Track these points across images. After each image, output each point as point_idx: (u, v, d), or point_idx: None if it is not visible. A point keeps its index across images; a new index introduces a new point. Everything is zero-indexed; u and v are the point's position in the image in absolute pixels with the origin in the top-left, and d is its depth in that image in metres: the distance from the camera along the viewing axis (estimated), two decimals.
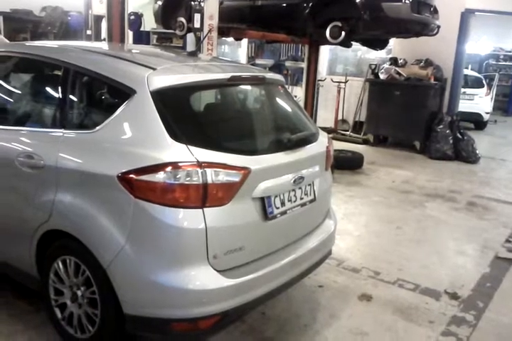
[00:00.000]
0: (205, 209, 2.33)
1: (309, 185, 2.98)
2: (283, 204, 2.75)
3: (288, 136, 2.92)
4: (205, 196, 2.34)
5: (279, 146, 2.82)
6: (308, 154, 2.99)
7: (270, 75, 3.25)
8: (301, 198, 2.90)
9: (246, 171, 2.45)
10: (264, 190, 2.59)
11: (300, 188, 2.88)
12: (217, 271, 2.43)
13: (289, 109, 3.39)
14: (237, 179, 2.43)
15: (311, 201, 2.98)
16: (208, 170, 2.32)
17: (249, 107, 3.33)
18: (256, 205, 2.59)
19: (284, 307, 3.30)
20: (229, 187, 2.41)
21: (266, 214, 2.63)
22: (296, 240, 2.94)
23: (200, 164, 2.33)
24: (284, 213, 2.75)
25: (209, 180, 2.32)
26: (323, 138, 3.25)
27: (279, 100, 3.43)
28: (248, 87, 3.27)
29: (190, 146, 2.37)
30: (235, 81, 2.88)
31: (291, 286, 2.99)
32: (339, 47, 8.37)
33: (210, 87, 2.91)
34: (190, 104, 2.67)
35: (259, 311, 3.19)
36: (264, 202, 2.62)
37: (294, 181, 2.78)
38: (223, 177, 2.38)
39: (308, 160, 2.98)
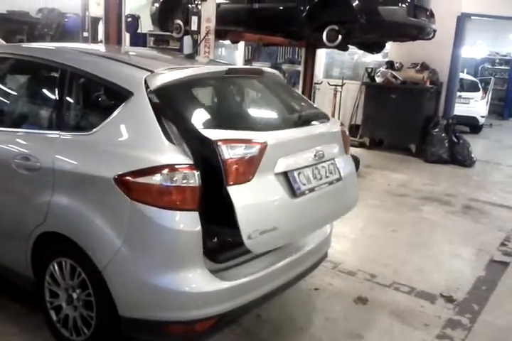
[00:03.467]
0: (229, 187, 2.28)
1: (332, 163, 2.95)
2: (309, 180, 2.71)
3: (297, 113, 2.93)
4: (198, 198, 2.32)
5: (291, 123, 2.84)
6: (322, 130, 3.00)
7: (267, 69, 3.28)
8: (327, 176, 2.87)
9: (262, 144, 2.42)
10: (285, 164, 2.56)
11: (323, 167, 2.86)
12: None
13: (291, 95, 3.41)
14: (254, 152, 2.38)
15: (338, 180, 2.95)
16: (224, 146, 2.28)
17: (250, 97, 3.30)
18: (281, 181, 2.56)
19: (279, 310, 3.30)
20: (248, 161, 2.37)
21: (293, 191, 2.59)
22: (327, 222, 2.88)
23: (193, 167, 2.33)
24: (312, 190, 2.71)
25: (226, 156, 2.27)
26: (335, 121, 3.28)
27: (279, 89, 3.42)
28: (246, 80, 3.25)
29: (186, 147, 2.37)
30: (232, 74, 2.89)
31: (287, 289, 2.99)
32: (336, 50, 8.40)
33: (208, 82, 2.87)
34: (189, 103, 2.65)
35: (255, 314, 3.19)
36: (288, 178, 2.59)
37: (315, 155, 2.76)
38: (240, 151, 2.34)
39: (324, 137, 2.97)
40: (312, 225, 2.83)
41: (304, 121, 2.95)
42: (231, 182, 2.29)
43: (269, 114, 2.97)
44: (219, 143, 2.28)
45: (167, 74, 2.56)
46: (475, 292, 3.78)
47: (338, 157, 3.05)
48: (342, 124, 3.32)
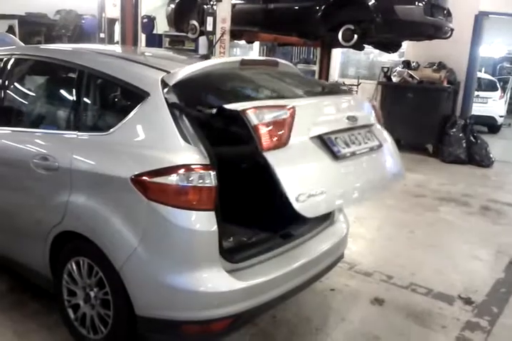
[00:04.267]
0: (265, 153, 2.24)
1: (368, 131, 2.90)
2: (347, 144, 2.66)
3: (320, 87, 2.91)
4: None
5: (316, 93, 2.82)
6: (349, 98, 2.99)
7: (282, 60, 3.28)
8: (366, 142, 2.82)
9: (291, 108, 2.38)
10: (318, 127, 2.53)
11: (360, 133, 2.81)
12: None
13: (310, 80, 3.41)
14: (284, 115, 2.34)
15: (378, 146, 2.91)
16: (251, 113, 2.25)
17: (269, 82, 3.13)
18: (319, 145, 2.52)
19: (295, 311, 3.29)
20: (279, 124, 2.32)
21: (334, 153, 2.55)
22: (376, 190, 2.87)
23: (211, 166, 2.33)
24: (353, 154, 2.67)
25: (255, 122, 2.24)
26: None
27: (297, 77, 3.38)
28: (263, 70, 3.19)
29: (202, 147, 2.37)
30: (247, 65, 2.88)
31: (303, 290, 2.98)
32: (351, 50, 8.36)
33: (224, 74, 2.81)
34: (207, 92, 2.63)
35: (271, 314, 3.18)
36: (325, 142, 2.55)
37: (347, 118, 2.71)
38: (269, 115, 2.30)
39: (353, 105, 2.95)
40: (360, 192, 2.72)
41: (329, 92, 2.92)
42: (266, 148, 2.25)
43: (292, 90, 2.93)
44: (246, 111, 2.26)
45: (183, 71, 2.54)
46: (494, 294, 3.73)
47: (372, 125, 2.99)
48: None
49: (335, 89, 3.06)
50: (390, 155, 3.08)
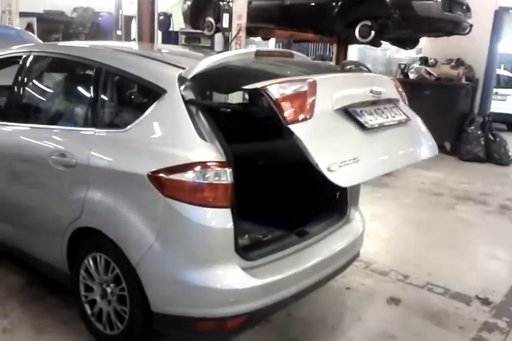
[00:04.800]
0: (291, 126, 2.19)
1: (394, 107, 2.84)
2: (374, 117, 2.60)
3: (339, 67, 2.90)
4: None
5: (336, 71, 2.78)
6: (371, 75, 3.05)
7: (297, 53, 3.27)
8: (393, 116, 2.76)
9: (311, 81, 2.34)
10: (342, 99, 2.48)
11: (385, 108, 2.75)
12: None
13: (328, 64, 3.40)
14: (304, 87, 2.30)
15: (406, 120, 2.85)
16: (272, 89, 2.22)
17: (286, 66, 3.04)
18: (345, 117, 2.47)
19: (310, 309, 3.28)
20: (301, 97, 2.28)
21: (362, 124, 2.49)
22: (408, 161, 2.83)
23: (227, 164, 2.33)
24: (382, 126, 2.62)
25: (276, 96, 2.20)
26: None
27: (314, 63, 3.36)
28: (278, 59, 3.15)
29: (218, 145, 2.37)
30: (262, 56, 2.88)
31: (319, 288, 2.97)
32: (368, 46, 8.30)
33: (239, 66, 2.74)
34: (226, 81, 2.59)
35: (285, 312, 3.17)
36: (351, 114, 2.50)
37: (371, 91, 2.65)
38: (290, 89, 2.26)
39: (374, 79, 2.92)
40: (393, 161, 2.68)
41: (349, 70, 2.90)
42: (290, 121, 2.20)
43: (310, 70, 2.88)
44: (266, 87, 2.22)
45: (199, 66, 2.51)
46: None
47: (398, 101, 2.93)
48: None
49: (355, 68, 3.03)
50: (419, 129, 3.00)
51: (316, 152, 2.20)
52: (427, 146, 3.00)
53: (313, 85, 2.34)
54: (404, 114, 2.89)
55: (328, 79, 2.60)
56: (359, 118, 2.51)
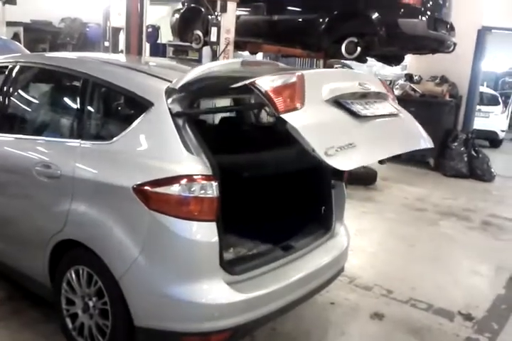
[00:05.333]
0: (283, 115, 2.18)
1: (384, 101, 2.83)
2: (365, 107, 2.59)
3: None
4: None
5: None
6: (358, 72, 3.14)
7: (282, 64, 3.31)
8: (384, 108, 2.75)
9: (299, 74, 2.34)
10: (331, 91, 2.46)
11: (375, 101, 2.73)
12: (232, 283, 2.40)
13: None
14: (293, 79, 2.30)
15: (397, 114, 2.82)
16: (260, 82, 2.22)
17: (271, 70, 2.98)
18: (337, 107, 2.46)
19: (294, 324, 3.26)
20: (291, 88, 2.27)
21: (354, 113, 2.48)
22: (405, 148, 2.82)
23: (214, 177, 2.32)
24: (374, 115, 2.60)
25: (265, 88, 2.20)
26: None
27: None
28: (263, 67, 3.19)
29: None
30: (248, 65, 2.89)
31: (303, 303, 2.95)
32: (354, 62, 8.39)
33: (226, 74, 2.72)
34: (210, 96, 2.65)
35: (270, 327, 3.15)
36: (342, 104, 2.48)
37: (360, 84, 2.65)
38: (278, 81, 2.26)
39: (362, 76, 2.93)
40: (390, 147, 2.65)
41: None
42: (282, 110, 2.19)
43: (298, 69, 2.92)
44: (255, 81, 2.22)
45: (188, 75, 2.49)
46: (494, 310, 3.70)
47: (387, 96, 2.91)
48: None
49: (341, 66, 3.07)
50: (413, 122, 2.98)
51: (312, 138, 2.17)
52: (421, 138, 2.96)
53: (301, 77, 2.33)
54: (395, 108, 2.88)
55: (316, 72, 2.62)
56: (351, 108, 2.49)
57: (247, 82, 2.26)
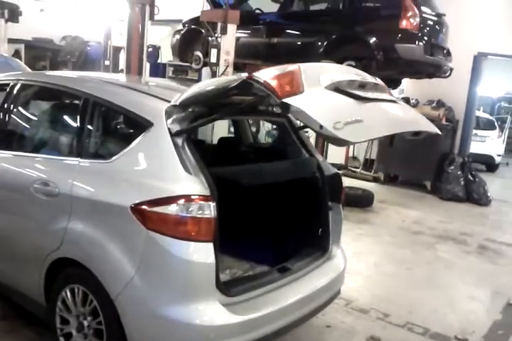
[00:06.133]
0: (285, 99, 2.17)
1: (382, 92, 2.82)
2: (365, 93, 2.59)
3: None
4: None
5: None
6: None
7: None
8: (383, 96, 2.75)
9: (295, 66, 2.32)
10: (329, 79, 2.46)
11: (374, 90, 2.73)
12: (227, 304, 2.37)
13: None
14: (290, 69, 2.30)
15: (396, 101, 2.83)
16: (258, 75, 2.23)
17: None
18: (337, 92, 2.46)
19: None
20: (288, 76, 2.26)
21: (355, 95, 2.47)
22: (410, 127, 2.79)
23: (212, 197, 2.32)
24: (376, 99, 2.60)
25: (264, 78, 2.20)
26: None
27: None
28: None
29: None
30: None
31: (299, 325, 2.93)
32: None
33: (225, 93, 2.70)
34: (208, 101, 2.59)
35: None
36: (342, 90, 2.48)
37: (356, 74, 2.67)
38: (275, 72, 2.26)
39: (359, 71, 2.92)
40: (397, 124, 2.66)
41: None
42: (283, 95, 2.18)
43: None
44: (252, 74, 2.22)
45: (188, 91, 2.51)
46: (491, 336, 3.67)
47: (384, 88, 2.90)
48: None
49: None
50: (412, 109, 2.98)
51: (318, 115, 2.17)
52: (425, 121, 2.95)
53: (297, 68, 2.32)
54: (391, 95, 2.89)
55: (313, 64, 2.60)
56: (352, 92, 2.50)
57: (244, 77, 2.26)
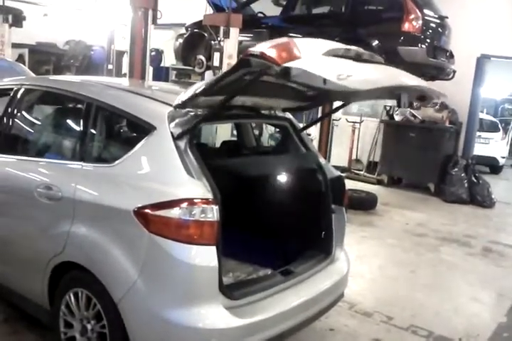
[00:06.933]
0: (285, 64, 2.13)
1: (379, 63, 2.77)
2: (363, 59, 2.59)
3: None
4: None
5: None
6: None
7: None
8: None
9: (289, 39, 2.30)
10: (325, 48, 2.42)
11: (371, 61, 2.68)
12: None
13: None
14: (284, 40, 2.26)
15: (382, 63, 2.80)
16: (252, 49, 2.18)
17: None
18: (335, 57, 2.44)
19: None
20: (284, 45, 2.22)
21: (352, 57, 2.48)
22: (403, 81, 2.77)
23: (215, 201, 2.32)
24: (374, 61, 2.63)
25: (259, 50, 2.16)
26: None
27: None
28: None
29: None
30: None
31: (302, 329, 2.92)
32: None
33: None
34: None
35: None
36: (340, 55, 2.47)
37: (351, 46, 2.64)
38: (270, 43, 2.22)
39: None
40: (396, 78, 2.67)
41: None
42: (282, 60, 2.13)
43: None
44: (246, 51, 2.19)
45: (188, 91, 2.47)
46: (496, 339, 3.66)
47: (382, 61, 2.84)
48: None
49: None
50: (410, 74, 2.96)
51: (320, 71, 2.15)
52: (423, 81, 2.98)
53: (291, 39, 2.29)
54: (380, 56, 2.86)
55: (307, 39, 2.59)
56: (350, 56, 2.50)
57: (241, 56, 2.23)
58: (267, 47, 2.18)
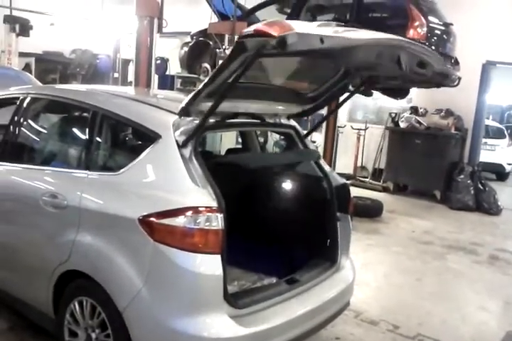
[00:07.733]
0: (282, 34, 2.10)
1: None
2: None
3: None
4: None
5: None
6: None
7: None
8: None
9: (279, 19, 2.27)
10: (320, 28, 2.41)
11: None
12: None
13: None
14: (277, 19, 2.24)
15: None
16: (245, 30, 2.18)
17: None
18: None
19: None
20: (278, 23, 2.16)
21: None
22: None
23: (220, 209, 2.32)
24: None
25: (253, 28, 2.14)
26: None
27: None
28: None
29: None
30: None
31: (308, 338, 2.90)
32: (359, 95, 8.46)
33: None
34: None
35: None
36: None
37: None
38: (263, 23, 2.18)
39: None
40: (379, 35, 2.59)
41: None
42: (278, 32, 2.08)
43: None
44: (242, 31, 2.17)
45: (190, 95, 2.49)
46: None
47: None
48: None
49: None
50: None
51: (316, 31, 2.18)
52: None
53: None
54: None
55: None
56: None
57: (236, 39, 2.21)
58: (259, 25, 2.16)
